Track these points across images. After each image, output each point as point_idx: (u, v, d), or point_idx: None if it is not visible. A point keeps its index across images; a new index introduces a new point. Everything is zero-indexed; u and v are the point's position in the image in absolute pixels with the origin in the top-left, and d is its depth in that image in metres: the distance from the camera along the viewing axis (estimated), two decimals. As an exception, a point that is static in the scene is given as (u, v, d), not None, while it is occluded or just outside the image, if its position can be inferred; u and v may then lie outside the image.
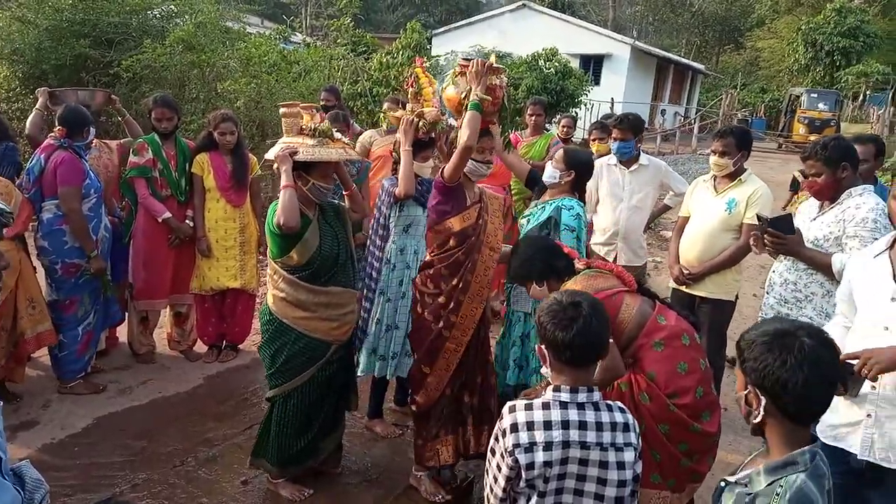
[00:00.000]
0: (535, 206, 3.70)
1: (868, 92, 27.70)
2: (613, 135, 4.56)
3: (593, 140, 5.75)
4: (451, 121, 3.67)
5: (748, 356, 1.60)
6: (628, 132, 4.52)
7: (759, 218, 3.30)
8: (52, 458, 3.60)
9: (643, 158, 4.62)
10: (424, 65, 3.73)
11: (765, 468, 1.59)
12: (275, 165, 3.05)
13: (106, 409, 4.14)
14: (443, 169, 3.20)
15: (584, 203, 3.69)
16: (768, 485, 1.56)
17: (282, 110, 3.11)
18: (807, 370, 1.51)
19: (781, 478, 1.55)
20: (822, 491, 1.52)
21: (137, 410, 4.17)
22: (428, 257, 3.34)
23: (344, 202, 3.38)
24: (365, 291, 3.87)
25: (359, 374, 3.73)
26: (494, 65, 3.17)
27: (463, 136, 3.03)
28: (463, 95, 3.25)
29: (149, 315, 4.79)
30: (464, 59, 3.41)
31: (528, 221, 3.63)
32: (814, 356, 1.52)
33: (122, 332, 4.94)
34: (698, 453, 2.61)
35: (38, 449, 3.67)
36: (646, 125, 5.98)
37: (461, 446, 3.43)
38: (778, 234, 3.16)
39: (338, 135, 3.16)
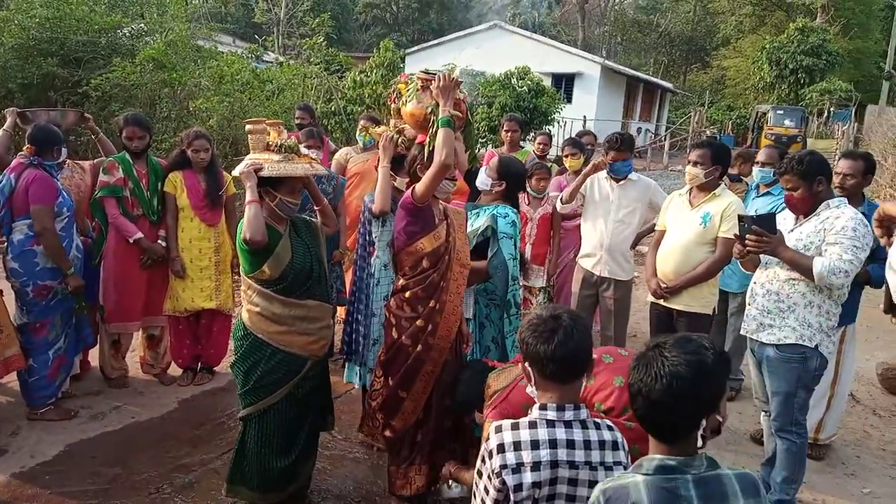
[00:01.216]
0: (470, 209, 3.71)
1: (832, 109, 28.43)
2: (611, 156, 4.56)
3: (566, 156, 5.79)
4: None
5: None
6: (626, 152, 4.58)
7: (741, 218, 3.33)
8: (22, 487, 3.47)
9: (632, 175, 4.66)
10: (408, 79, 3.71)
11: (630, 468, 1.70)
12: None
13: (77, 435, 4.02)
14: (413, 188, 3.13)
15: (518, 210, 3.73)
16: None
17: (248, 127, 3.09)
18: (656, 385, 1.59)
19: (623, 475, 1.65)
20: (661, 499, 1.56)
21: (110, 437, 4.05)
22: (401, 281, 3.24)
23: (316, 217, 3.35)
24: (356, 305, 3.83)
25: (356, 385, 3.77)
26: (457, 78, 3.15)
27: (440, 154, 2.97)
28: (428, 110, 3.22)
29: (121, 338, 4.67)
30: (424, 72, 3.37)
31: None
32: (653, 375, 1.59)
33: (93, 357, 4.81)
34: None
35: (7, 478, 3.54)
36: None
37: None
38: (762, 233, 3.19)
39: (304, 150, 3.15)
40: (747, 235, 3.23)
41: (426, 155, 3.20)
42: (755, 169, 4.79)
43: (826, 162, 3.28)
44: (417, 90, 3.33)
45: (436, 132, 3.05)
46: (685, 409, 1.59)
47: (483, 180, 3.65)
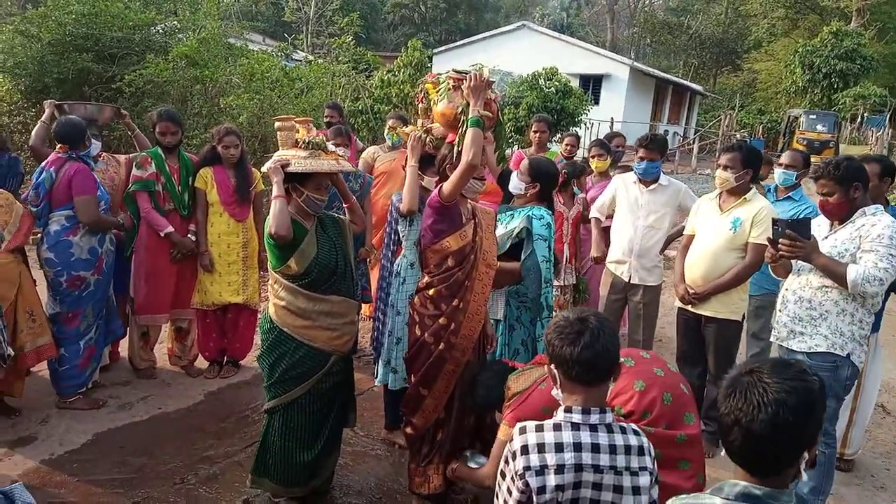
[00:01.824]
0: (504, 211, 3.69)
1: (866, 114, 27.91)
2: (640, 154, 4.52)
3: (593, 157, 5.75)
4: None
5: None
6: (655, 152, 4.50)
7: (775, 222, 3.27)
8: (50, 474, 3.54)
9: (663, 179, 4.59)
10: (436, 79, 3.71)
11: (709, 490, 1.58)
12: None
13: (105, 425, 4.09)
14: (440, 187, 3.14)
15: (553, 211, 3.70)
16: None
17: (277, 124, 3.14)
18: (759, 414, 1.43)
19: (700, 496, 1.55)
20: None
21: (137, 427, 4.12)
22: (426, 279, 3.24)
23: (345, 215, 3.38)
24: (379, 304, 3.86)
25: (376, 384, 3.77)
26: (489, 78, 3.14)
27: (467, 154, 2.98)
28: (459, 110, 3.21)
29: (150, 330, 4.75)
30: (455, 71, 3.35)
31: (498, 225, 3.61)
32: (755, 403, 1.43)
33: (123, 347, 4.89)
34: (697, 463, 2.58)
35: (37, 465, 3.61)
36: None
37: None
38: (796, 238, 3.13)
39: (332, 147, 3.17)
40: (781, 240, 3.17)
41: (455, 154, 3.20)
42: (778, 170, 4.71)
43: (863, 168, 3.22)
44: (449, 89, 3.32)
45: (465, 132, 3.05)
46: (789, 441, 1.44)
47: (516, 184, 3.63)
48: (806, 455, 1.47)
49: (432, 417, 3.25)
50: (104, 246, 4.19)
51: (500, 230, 3.58)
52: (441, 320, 3.15)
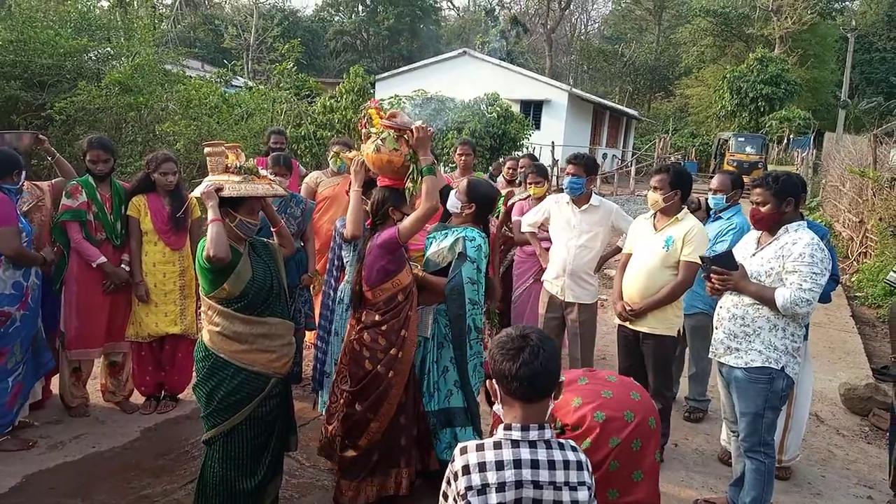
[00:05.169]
0: (440, 230, 3.76)
1: (791, 136, 29.35)
2: (567, 170, 4.63)
3: (531, 184, 5.83)
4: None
5: None
6: (580, 168, 4.57)
7: (702, 259, 3.43)
8: (-26, 521, 3.36)
9: (595, 199, 4.67)
10: (378, 105, 3.77)
11: None
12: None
13: (36, 466, 3.89)
14: (398, 229, 3.31)
15: (488, 234, 3.77)
16: None
17: (206, 150, 3.14)
18: None
19: None
20: None
21: (70, 467, 3.93)
22: (377, 317, 3.36)
23: (273, 240, 3.41)
24: (321, 332, 3.85)
25: (321, 412, 3.76)
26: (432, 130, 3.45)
27: (429, 200, 3.29)
28: (408, 158, 3.45)
29: (81, 365, 4.54)
30: (397, 125, 3.52)
31: (430, 244, 3.74)
32: None
33: (55, 385, 4.68)
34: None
35: (-42, 512, 3.42)
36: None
37: (391, 487, 3.44)
38: (722, 271, 3.30)
39: (263, 172, 3.22)
40: (711, 275, 3.35)
41: (408, 199, 3.49)
42: (709, 195, 4.90)
43: (798, 186, 3.43)
44: (394, 139, 3.48)
45: (415, 178, 3.42)
46: None
47: (453, 203, 3.70)
48: None
49: (376, 438, 3.38)
50: (30, 280, 4.01)
51: (433, 248, 3.66)
52: (392, 351, 3.34)
